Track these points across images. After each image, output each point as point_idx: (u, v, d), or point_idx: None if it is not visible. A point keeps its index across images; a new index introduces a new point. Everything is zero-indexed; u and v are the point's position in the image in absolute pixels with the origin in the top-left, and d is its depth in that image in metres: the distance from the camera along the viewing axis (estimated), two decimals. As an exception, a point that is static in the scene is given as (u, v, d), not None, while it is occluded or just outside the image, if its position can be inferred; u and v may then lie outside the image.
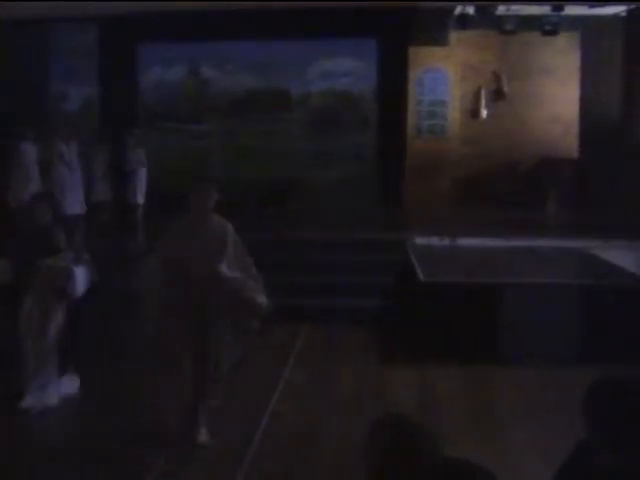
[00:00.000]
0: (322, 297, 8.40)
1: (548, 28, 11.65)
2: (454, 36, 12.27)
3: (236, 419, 5.26)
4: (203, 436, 4.85)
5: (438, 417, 5.28)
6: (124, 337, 6.89)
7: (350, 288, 8.45)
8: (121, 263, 8.25)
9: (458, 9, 11.46)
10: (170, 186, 10.92)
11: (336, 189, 12.79)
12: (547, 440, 4.58)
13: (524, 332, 6.68)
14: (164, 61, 13.51)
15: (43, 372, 5.50)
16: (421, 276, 7.38)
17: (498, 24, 11.74)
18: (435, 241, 9.32)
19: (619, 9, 11.17)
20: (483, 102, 13.20)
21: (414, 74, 12.31)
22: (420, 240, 9.21)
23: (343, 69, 13.33)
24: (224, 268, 4.85)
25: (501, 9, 11.37)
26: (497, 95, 13.21)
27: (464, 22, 11.75)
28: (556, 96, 12.99)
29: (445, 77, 12.41)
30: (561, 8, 11.06)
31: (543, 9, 11.28)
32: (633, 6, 10.79)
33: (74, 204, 10.56)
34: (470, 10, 11.48)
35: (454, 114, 12.73)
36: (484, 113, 13.19)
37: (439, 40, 12.08)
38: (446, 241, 9.34)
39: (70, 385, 5.76)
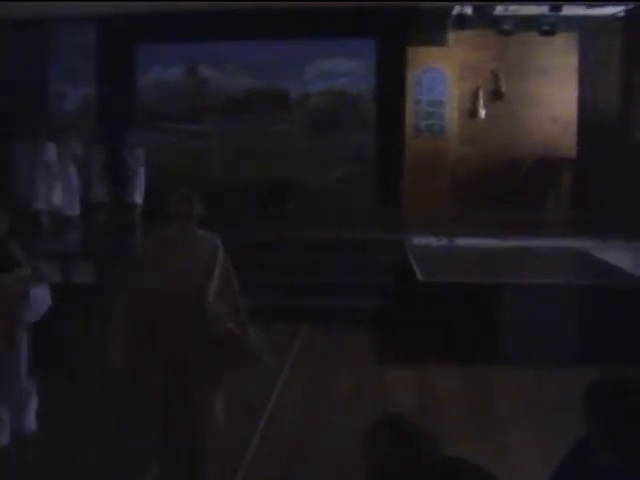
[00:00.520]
0: (322, 297, 8.42)
1: (546, 28, 11.66)
2: (452, 36, 12.29)
3: (235, 419, 5.26)
4: None
5: (438, 417, 5.30)
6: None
7: (350, 288, 8.47)
8: (120, 263, 8.25)
9: (456, 9, 11.46)
10: (169, 186, 10.91)
11: (335, 189, 12.80)
12: (546, 440, 4.60)
13: (523, 332, 6.70)
14: (163, 61, 13.51)
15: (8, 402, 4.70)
16: (420, 276, 7.39)
17: (496, 24, 11.75)
18: (433, 241, 9.34)
19: (617, 9, 11.17)
20: (481, 102, 13.22)
21: (412, 74, 12.32)
22: (419, 240, 9.23)
23: (342, 69, 13.35)
24: (210, 297, 3.94)
25: (499, 9, 11.38)
26: (495, 95, 13.24)
27: (462, 22, 11.76)
28: (554, 96, 13.02)
29: (443, 77, 12.42)
30: (559, 8, 11.06)
31: (541, 9, 11.28)
32: (631, 6, 10.80)
33: (70, 205, 10.61)
34: (468, 10, 11.48)
35: (452, 114, 12.74)
36: (482, 113, 13.22)
37: (437, 40, 12.09)
38: (444, 241, 9.36)
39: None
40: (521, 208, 11.28)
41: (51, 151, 10.51)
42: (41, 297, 4.75)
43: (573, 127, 13.00)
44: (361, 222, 11.20)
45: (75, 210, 10.90)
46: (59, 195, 10.61)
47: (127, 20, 11.31)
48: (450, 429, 4.86)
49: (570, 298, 6.85)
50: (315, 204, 12.22)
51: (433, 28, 11.84)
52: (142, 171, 11.21)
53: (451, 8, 11.41)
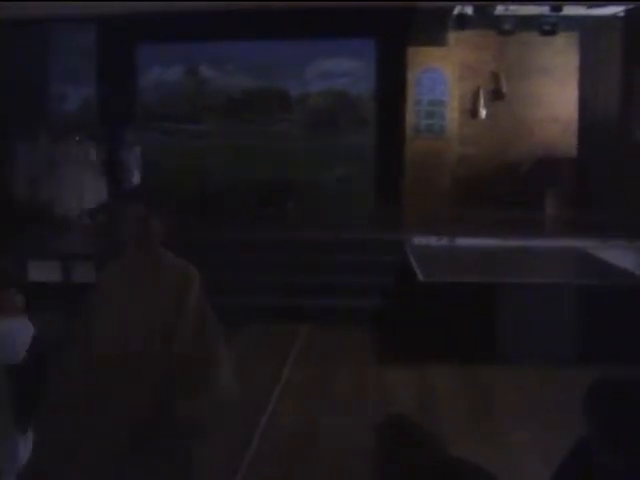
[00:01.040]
0: (322, 297, 8.42)
1: (546, 28, 11.65)
2: (452, 36, 12.27)
3: (235, 419, 5.25)
4: None
5: (438, 417, 5.30)
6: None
7: (350, 288, 8.47)
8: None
9: (456, 9, 11.45)
10: (169, 186, 10.92)
11: (335, 189, 12.80)
12: (547, 440, 4.59)
13: (523, 332, 6.70)
14: (163, 61, 13.51)
15: None
16: (420, 276, 7.39)
17: (496, 24, 11.74)
18: (434, 241, 9.34)
19: (618, 9, 11.17)
20: (482, 102, 13.22)
21: (412, 74, 12.30)
22: (419, 240, 9.23)
23: (342, 69, 13.34)
24: (180, 343, 2.93)
25: (499, 9, 11.37)
26: (496, 95, 13.24)
27: (462, 22, 11.75)
28: (555, 96, 13.02)
29: (443, 77, 12.40)
30: (559, 8, 11.05)
31: (541, 9, 11.27)
32: (631, 6, 10.79)
33: (71, 205, 10.64)
34: (468, 10, 11.47)
35: (453, 114, 12.73)
36: (483, 113, 13.22)
37: (437, 40, 12.07)
38: (444, 241, 9.36)
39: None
40: (521, 208, 11.28)
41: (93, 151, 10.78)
42: (20, 332, 3.41)
43: (573, 127, 12.99)
44: (361, 222, 11.21)
45: (75, 210, 10.91)
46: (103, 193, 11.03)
47: (127, 20, 11.31)
48: (450, 429, 4.85)
49: (570, 298, 6.85)
50: (315, 204, 12.22)
51: (433, 28, 11.82)
52: (138, 171, 11.24)
53: (451, 8, 11.40)
